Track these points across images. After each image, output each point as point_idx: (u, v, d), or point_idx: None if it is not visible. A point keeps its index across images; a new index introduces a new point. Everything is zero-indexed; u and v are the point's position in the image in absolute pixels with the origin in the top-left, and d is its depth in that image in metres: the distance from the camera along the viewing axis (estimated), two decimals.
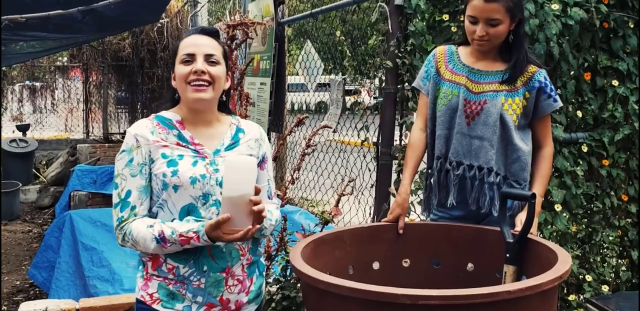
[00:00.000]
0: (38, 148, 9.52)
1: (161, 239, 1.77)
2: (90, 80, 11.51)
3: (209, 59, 1.86)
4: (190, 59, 1.85)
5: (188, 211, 1.83)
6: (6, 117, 12.13)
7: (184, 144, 1.87)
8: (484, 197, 2.34)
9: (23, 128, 11.17)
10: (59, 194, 7.77)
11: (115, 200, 1.85)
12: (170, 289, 1.86)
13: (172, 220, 1.83)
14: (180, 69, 1.86)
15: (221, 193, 1.76)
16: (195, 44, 1.88)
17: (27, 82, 12.53)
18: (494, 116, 2.29)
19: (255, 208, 1.72)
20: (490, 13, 2.21)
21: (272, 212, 1.96)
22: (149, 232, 1.78)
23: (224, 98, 2.01)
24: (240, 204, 1.71)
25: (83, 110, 11.71)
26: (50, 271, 4.62)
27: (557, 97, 2.36)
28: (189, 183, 1.81)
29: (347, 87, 4.16)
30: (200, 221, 1.80)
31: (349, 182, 2.71)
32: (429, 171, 2.50)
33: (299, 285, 2.67)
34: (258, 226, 1.77)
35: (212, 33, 1.96)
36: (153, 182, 1.85)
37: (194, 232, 1.76)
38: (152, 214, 1.87)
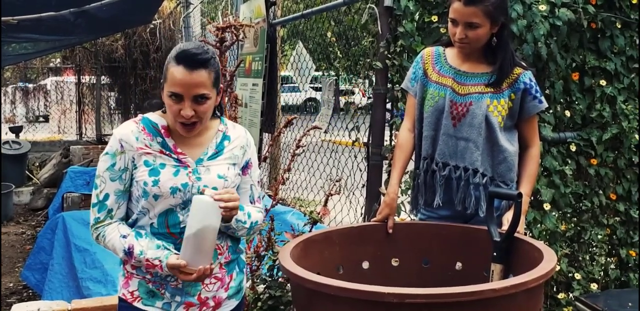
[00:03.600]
0: (31, 150, 9.50)
1: (129, 253, 1.83)
2: (83, 81, 11.50)
3: (197, 98, 1.81)
4: (178, 98, 1.80)
5: (166, 214, 1.86)
6: None
7: (167, 152, 1.88)
8: (470, 198, 2.37)
9: (16, 130, 11.15)
10: (52, 196, 7.76)
11: (93, 199, 1.89)
12: (149, 287, 1.89)
13: (150, 224, 1.87)
14: (169, 103, 1.83)
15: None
16: (184, 84, 1.78)
17: (20, 84, 12.52)
18: (479, 118, 2.32)
19: (223, 205, 1.77)
20: (469, 17, 2.25)
21: (251, 214, 1.97)
22: (120, 242, 1.84)
23: (218, 114, 2.02)
24: (198, 243, 1.76)
25: (76, 112, 11.70)
26: (43, 273, 4.62)
27: (543, 98, 2.39)
28: (169, 194, 1.84)
29: (339, 88, 4.18)
30: (168, 249, 1.83)
31: (336, 182, 2.73)
32: (417, 171, 2.52)
33: (286, 284, 2.69)
34: (213, 266, 1.83)
35: (204, 63, 1.81)
36: (134, 187, 1.87)
37: (159, 261, 1.81)
38: (132, 221, 1.90)
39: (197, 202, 1.76)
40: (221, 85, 1.97)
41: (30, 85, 12.41)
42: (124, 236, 1.84)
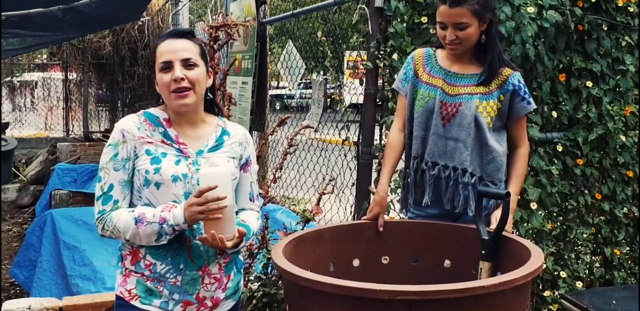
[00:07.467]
0: (17, 147, 9.42)
1: (140, 219, 1.81)
2: (70, 78, 11.43)
3: (186, 63, 1.88)
4: (167, 66, 1.87)
5: None
6: None
7: (168, 142, 1.91)
8: (458, 197, 2.41)
9: (2, 127, 11.05)
10: (39, 193, 7.72)
11: (97, 192, 1.89)
12: (147, 285, 1.89)
13: None
14: (161, 78, 1.88)
15: None
16: (171, 50, 1.88)
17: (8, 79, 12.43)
18: (468, 118, 2.36)
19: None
20: (456, 18, 2.28)
21: (251, 226, 1.98)
22: (129, 215, 1.83)
23: (210, 96, 2.03)
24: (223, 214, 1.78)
25: (63, 109, 11.63)
26: (32, 270, 4.61)
27: (531, 100, 2.43)
28: (171, 181, 1.85)
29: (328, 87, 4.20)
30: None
31: (330, 181, 2.76)
32: (407, 171, 2.56)
33: (279, 282, 2.71)
34: (236, 231, 1.86)
35: (186, 34, 1.95)
36: (135, 177, 1.89)
37: (174, 206, 1.81)
38: None
39: (205, 174, 1.78)
40: (210, 73, 2.00)
41: (17, 82, 12.33)
42: (132, 211, 1.84)
